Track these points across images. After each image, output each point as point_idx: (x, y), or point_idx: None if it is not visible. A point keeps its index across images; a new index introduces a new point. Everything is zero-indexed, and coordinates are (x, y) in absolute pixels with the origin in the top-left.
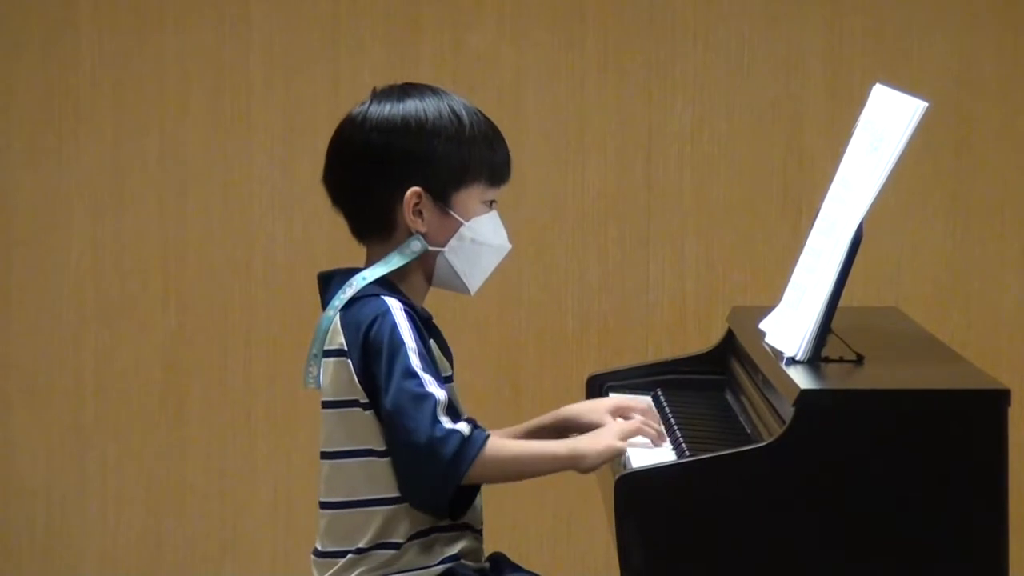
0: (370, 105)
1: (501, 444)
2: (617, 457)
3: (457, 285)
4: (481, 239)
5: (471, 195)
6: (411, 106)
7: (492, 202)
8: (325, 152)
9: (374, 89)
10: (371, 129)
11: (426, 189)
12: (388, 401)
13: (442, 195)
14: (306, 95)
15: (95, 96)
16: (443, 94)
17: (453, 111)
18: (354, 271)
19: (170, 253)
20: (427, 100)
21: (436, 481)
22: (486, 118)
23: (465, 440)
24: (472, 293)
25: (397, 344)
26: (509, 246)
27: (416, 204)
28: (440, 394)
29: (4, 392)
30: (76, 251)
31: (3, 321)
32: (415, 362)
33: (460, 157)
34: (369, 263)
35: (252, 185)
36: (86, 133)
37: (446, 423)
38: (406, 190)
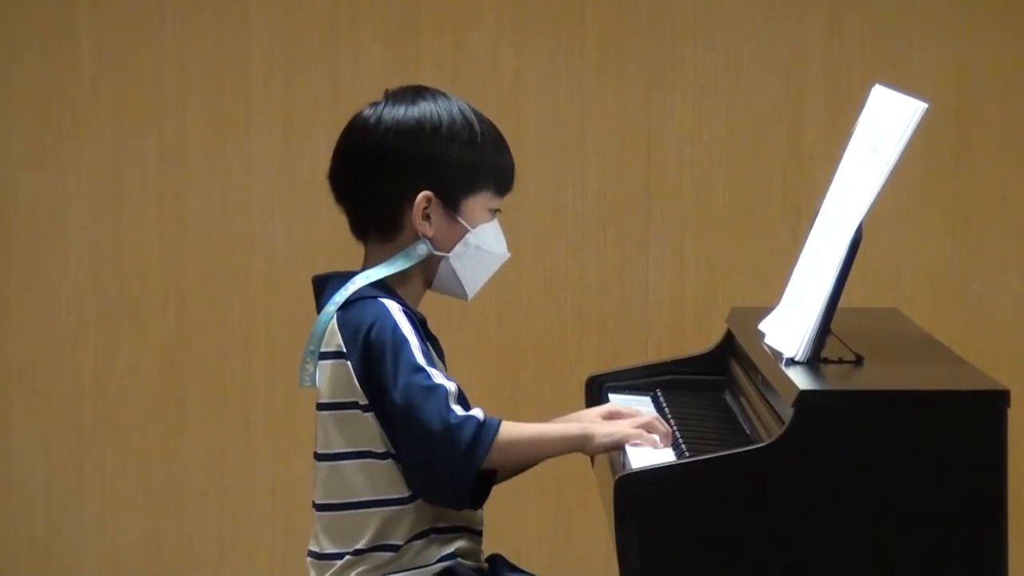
0: (384, 106)
1: (515, 427)
2: (621, 445)
3: (456, 291)
4: (485, 247)
5: (478, 203)
6: (426, 109)
7: (496, 211)
8: (333, 149)
9: (387, 91)
10: (387, 130)
11: (436, 194)
12: (397, 396)
13: (452, 201)
14: (306, 97)
15: (94, 97)
16: (452, 98)
17: (465, 117)
18: (351, 274)
19: (169, 255)
20: (440, 104)
21: (456, 468)
22: (493, 125)
23: (481, 425)
24: (469, 299)
25: (400, 342)
26: (509, 255)
27: (425, 208)
28: (450, 384)
29: (3, 394)
30: (75, 253)
31: (2, 323)
32: (420, 358)
33: (472, 163)
34: (367, 262)
35: (251, 187)
36: (85, 134)
37: (459, 411)
38: (417, 194)
